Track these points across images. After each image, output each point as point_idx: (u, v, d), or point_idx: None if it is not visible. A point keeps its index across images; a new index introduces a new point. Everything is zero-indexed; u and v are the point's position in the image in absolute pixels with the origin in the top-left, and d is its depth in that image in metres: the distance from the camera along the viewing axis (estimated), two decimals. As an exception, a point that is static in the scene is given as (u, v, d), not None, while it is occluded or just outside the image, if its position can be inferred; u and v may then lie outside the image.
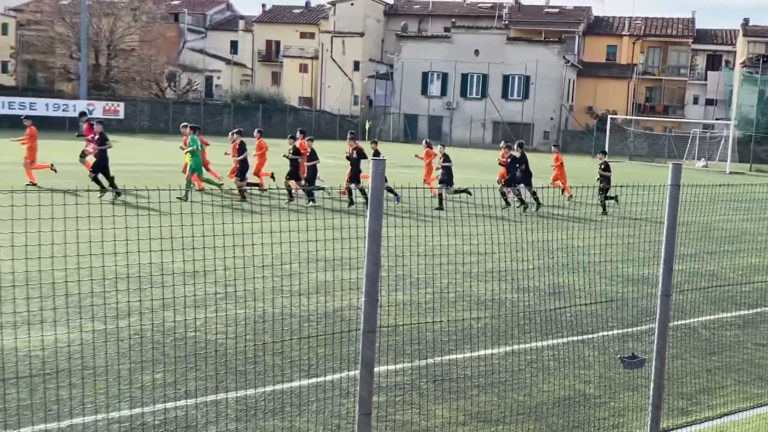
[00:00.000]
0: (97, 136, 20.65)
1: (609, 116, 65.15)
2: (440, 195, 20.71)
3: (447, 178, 22.05)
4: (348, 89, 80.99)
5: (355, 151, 21.14)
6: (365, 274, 4.64)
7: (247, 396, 6.71)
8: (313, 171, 21.77)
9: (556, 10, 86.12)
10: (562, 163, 26.26)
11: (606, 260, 11.00)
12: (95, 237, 5.48)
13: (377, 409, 6.36)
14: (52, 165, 23.18)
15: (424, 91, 77.30)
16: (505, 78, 74.98)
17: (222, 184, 22.44)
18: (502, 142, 25.33)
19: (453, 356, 8.15)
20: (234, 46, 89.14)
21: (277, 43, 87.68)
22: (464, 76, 76.03)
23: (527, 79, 74.10)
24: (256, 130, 24.80)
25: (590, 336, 9.11)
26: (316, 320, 9.04)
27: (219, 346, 7.96)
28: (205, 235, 5.93)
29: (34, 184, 21.75)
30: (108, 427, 5.95)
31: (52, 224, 5.27)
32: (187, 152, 21.19)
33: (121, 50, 70.08)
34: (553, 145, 28.58)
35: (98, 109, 56.28)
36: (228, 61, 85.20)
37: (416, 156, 26.20)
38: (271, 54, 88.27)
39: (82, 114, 25.35)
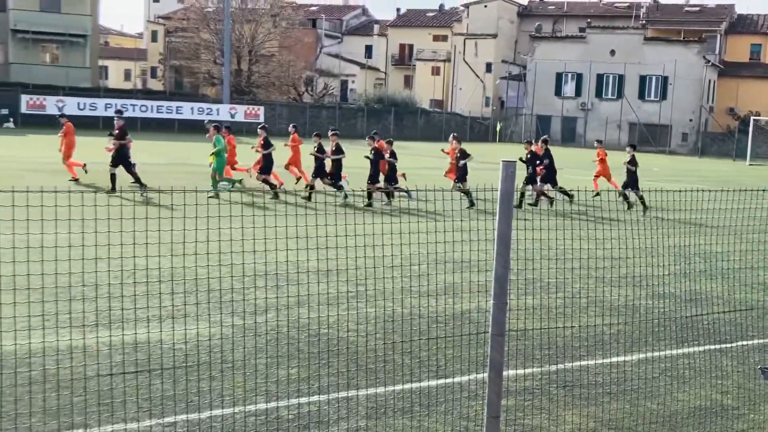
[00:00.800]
0: (117, 131, 21.20)
1: (752, 118, 62.11)
2: (467, 191, 20.10)
3: (461, 175, 21.68)
4: (480, 91, 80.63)
5: (373, 151, 21.30)
6: (494, 276, 4.66)
7: (377, 394, 6.83)
8: (338, 167, 21.82)
9: (697, 8, 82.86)
10: (603, 159, 25.41)
11: (747, 267, 10.54)
12: (236, 236, 5.73)
13: (506, 412, 6.34)
14: (84, 165, 23.42)
15: (558, 92, 76.04)
16: (642, 78, 72.82)
17: (240, 180, 23.09)
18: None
19: (584, 362, 8.02)
20: (368, 50, 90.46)
21: (410, 46, 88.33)
22: (599, 77, 74.34)
23: (665, 79, 71.69)
24: (291, 126, 25.51)
25: (729, 345, 8.76)
26: (444, 322, 9.09)
27: (350, 343, 8.13)
28: (338, 235, 6.08)
29: (76, 180, 22.58)
30: (245, 419, 6.18)
31: (196, 223, 5.55)
32: (211, 154, 21.57)
33: (261, 56, 72.37)
34: (597, 141, 27.62)
35: (240, 112, 58.31)
36: (362, 66, 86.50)
37: (442, 150, 25.59)
38: (404, 57, 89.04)
39: (118, 112, 25.84)
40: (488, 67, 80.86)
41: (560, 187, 21.22)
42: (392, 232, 5.73)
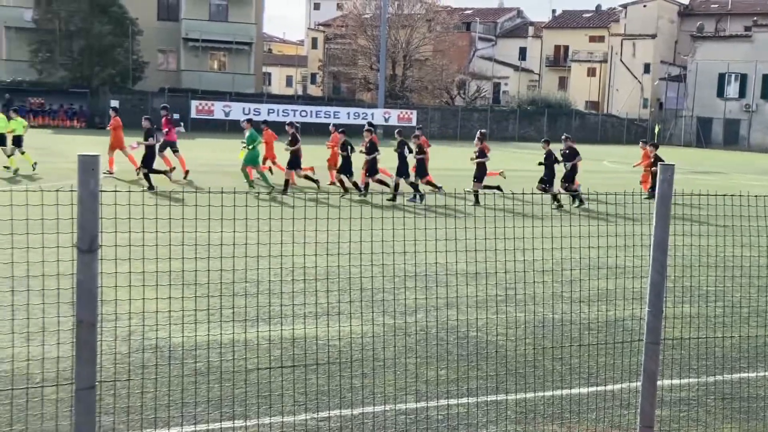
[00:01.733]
0: (145, 131, 21.86)
1: None
2: (476, 192, 20.33)
3: (479, 174, 21.37)
4: (637, 92, 78.10)
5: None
6: (649, 283, 4.56)
7: (527, 399, 6.79)
8: (373, 163, 21.57)
9: None
10: (651, 162, 23.68)
11: None
12: (387, 237, 5.87)
13: (660, 423, 6.16)
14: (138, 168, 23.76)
15: (720, 93, 72.50)
16: (814, 79, 68.35)
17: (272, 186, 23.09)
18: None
19: (744, 374, 7.66)
20: (522, 52, 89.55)
21: (566, 47, 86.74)
22: (765, 77, 70.28)
23: (837, 80, 66.94)
24: (331, 125, 25.23)
25: None
26: (597, 329, 8.92)
27: (499, 347, 8.12)
28: (487, 238, 6.11)
29: (111, 173, 23.30)
30: (395, 417, 6.30)
31: (350, 224, 5.72)
32: (245, 148, 21.73)
33: (415, 60, 73.12)
34: (642, 141, 26.18)
35: (393, 116, 59.17)
36: (516, 68, 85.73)
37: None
38: (559, 59, 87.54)
39: (164, 108, 26.66)
40: (646, 68, 78.21)
41: (550, 191, 20.77)
42: (543, 236, 5.69)
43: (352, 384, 6.84)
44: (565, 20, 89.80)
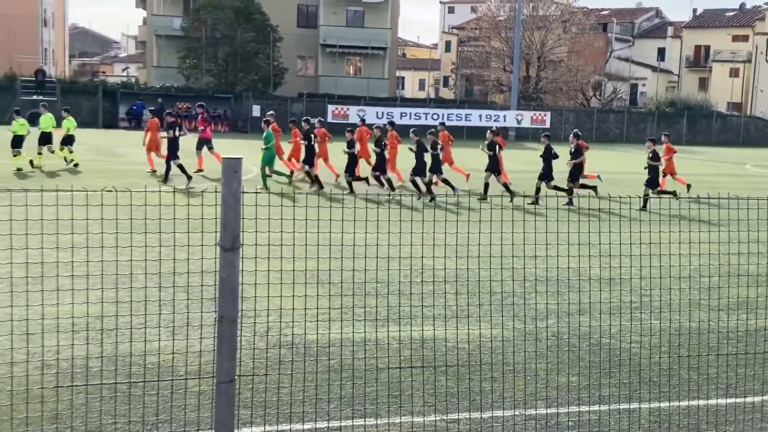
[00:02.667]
0: (167, 125, 22.30)
1: None
2: (486, 185, 20.17)
3: (493, 166, 21.17)
4: (786, 93, 74.09)
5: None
6: (792, 292, 4.37)
7: (661, 408, 6.62)
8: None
9: None
10: (671, 157, 23.07)
11: None
12: (517, 240, 5.86)
13: (805, 439, 5.87)
14: (193, 172, 23.79)
15: None
16: None
17: (290, 175, 23.38)
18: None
19: None
20: (661, 53, 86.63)
21: (707, 47, 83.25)
22: None
23: None
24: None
25: None
26: (736, 338, 8.56)
27: (633, 355, 7.93)
28: (622, 243, 5.99)
29: (154, 171, 23.77)
30: (525, 423, 6.27)
31: (479, 226, 5.75)
32: (264, 148, 21.91)
33: (550, 62, 72.05)
34: (664, 134, 25.14)
35: (526, 118, 58.51)
36: (654, 69, 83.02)
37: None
38: (699, 59, 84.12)
39: (200, 105, 26.93)
40: (796, 67, 74.07)
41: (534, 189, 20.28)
42: (680, 242, 5.52)
43: (482, 387, 6.85)
44: (706, 19, 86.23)
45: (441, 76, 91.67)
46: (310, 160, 22.24)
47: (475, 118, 57.60)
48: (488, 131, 22.77)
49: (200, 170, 24.29)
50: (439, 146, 21.54)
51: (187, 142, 23.61)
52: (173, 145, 22.31)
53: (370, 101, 58.35)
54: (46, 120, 25.55)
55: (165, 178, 22.14)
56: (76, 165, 25.30)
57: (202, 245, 5.25)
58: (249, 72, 58.32)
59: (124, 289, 7.88)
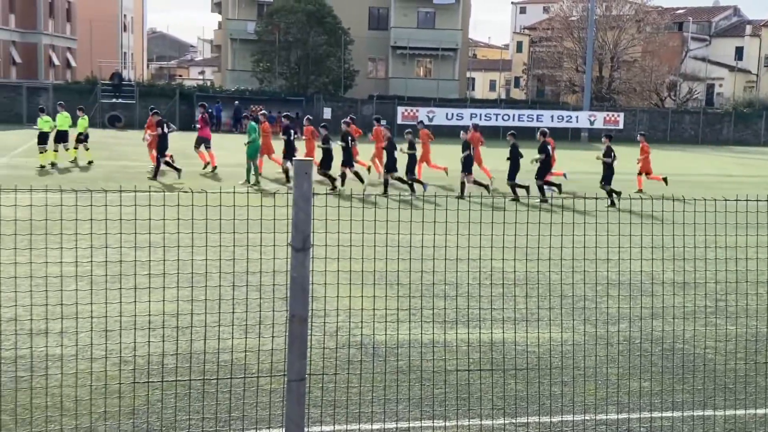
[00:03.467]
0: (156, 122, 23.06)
1: None
2: (462, 183, 19.99)
3: (466, 164, 20.94)
4: None
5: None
6: None
7: (737, 416, 6.46)
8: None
9: None
10: (648, 155, 24.69)
11: None
12: (589, 243, 5.80)
13: None
14: (214, 169, 24.80)
15: None
16: None
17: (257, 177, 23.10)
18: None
19: None
20: (739, 52, 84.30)
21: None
22: None
23: None
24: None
25: None
26: (820, 346, 8.29)
27: (708, 361, 7.76)
28: (697, 246, 5.87)
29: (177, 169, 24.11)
30: (595, 427, 6.19)
31: (550, 229, 5.71)
32: (247, 143, 22.38)
33: (623, 62, 70.86)
34: (640, 134, 26.55)
35: (599, 119, 57.65)
36: (732, 68, 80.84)
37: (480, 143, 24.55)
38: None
39: (201, 105, 27.39)
40: None
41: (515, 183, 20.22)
42: (758, 245, 5.39)
43: (551, 391, 6.80)
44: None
45: (512, 76, 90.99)
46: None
47: (547, 118, 56.99)
48: (462, 131, 23.36)
49: (214, 167, 25.36)
50: (416, 145, 22.36)
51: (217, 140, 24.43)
52: (162, 142, 23.24)
53: (440, 102, 58.30)
54: (62, 119, 26.49)
55: (154, 175, 23.07)
56: (90, 162, 26.29)
57: (274, 245, 5.34)
58: (320, 75, 58.91)
59: (199, 288, 8.06)
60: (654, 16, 72.91)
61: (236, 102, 52.37)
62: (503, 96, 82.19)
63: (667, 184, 23.93)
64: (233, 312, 7.81)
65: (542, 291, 8.68)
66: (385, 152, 21.83)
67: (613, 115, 58.68)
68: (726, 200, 6.33)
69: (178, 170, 23.01)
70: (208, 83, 69.09)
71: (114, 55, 75.52)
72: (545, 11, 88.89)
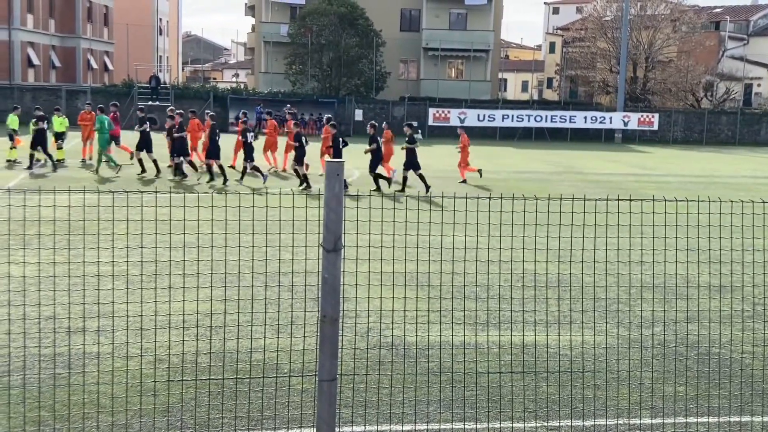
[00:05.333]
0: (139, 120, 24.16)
1: None
2: (405, 178, 21.93)
3: (408, 161, 22.32)
4: None
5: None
6: None
7: (774, 421, 6.38)
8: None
9: None
10: (465, 146, 25.42)
11: None
12: (623, 245, 5.76)
13: None
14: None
15: None
16: None
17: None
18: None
19: None
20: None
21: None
22: None
23: None
24: (459, 128, 26.91)
25: None
26: None
27: (745, 366, 7.66)
28: (734, 249, 5.81)
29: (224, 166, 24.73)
30: None
31: (583, 231, 5.68)
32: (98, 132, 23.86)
33: (658, 62, 70.14)
34: (459, 127, 28.14)
35: (633, 120, 57.12)
36: (771, 68, 79.72)
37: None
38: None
39: (192, 112, 28.41)
40: None
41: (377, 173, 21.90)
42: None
43: (584, 395, 6.76)
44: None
45: (545, 77, 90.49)
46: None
47: (580, 120, 56.57)
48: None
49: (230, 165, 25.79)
50: (380, 141, 22.90)
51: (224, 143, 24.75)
52: (145, 140, 24.16)
53: (471, 104, 58.16)
54: (59, 121, 27.56)
55: (141, 170, 24.00)
56: (60, 160, 26.53)
57: (306, 246, 5.37)
58: (352, 77, 59.06)
59: (232, 288, 8.13)
60: (690, 15, 72.06)
61: (260, 104, 52.81)
62: (536, 97, 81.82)
63: (481, 176, 25.26)
64: (265, 312, 7.85)
65: (575, 293, 8.63)
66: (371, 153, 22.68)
67: (647, 116, 58.08)
68: (764, 202, 6.26)
69: (144, 170, 24.01)
70: (242, 86, 69.50)
71: (150, 59, 76.37)
72: (578, 11, 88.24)
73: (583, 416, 6.36)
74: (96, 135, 25.18)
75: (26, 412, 5.82)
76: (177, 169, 23.62)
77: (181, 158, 23.66)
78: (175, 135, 23.82)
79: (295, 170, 22.40)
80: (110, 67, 73.43)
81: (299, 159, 22.18)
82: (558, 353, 7.79)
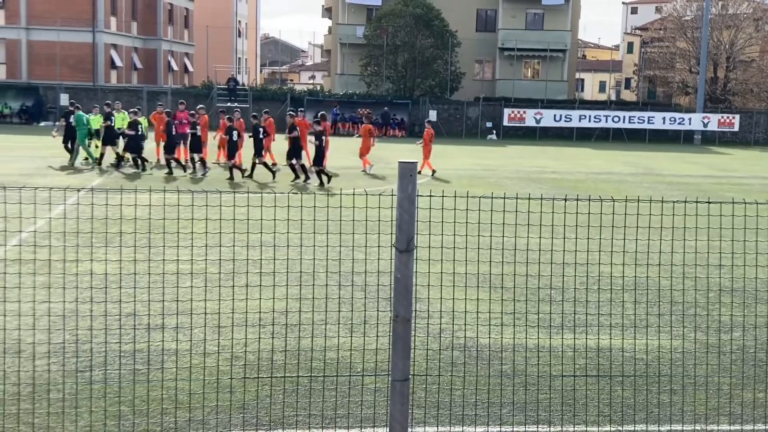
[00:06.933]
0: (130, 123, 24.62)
1: None
2: (291, 166, 23.14)
3: (291, 149, 23.36)
4: None
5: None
6: None
7: None
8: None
9: None
10: (429, 140, 26.98)
11: None
12: (701, 248, 5.65)
13: None
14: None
15: None
16: None
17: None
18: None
19: None
20: None
21: None
22: None
23: None
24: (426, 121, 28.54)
25: None
26: None
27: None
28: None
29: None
30: (704, 437, 6.03)
31: (660, 233, 5.59)
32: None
33: (739, 62, 68.20)
34: (427, 121, 29.28)
35: (713, 121, 55.70)
36: None
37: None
38: None
39: (221, 112, 29.07)
40: None
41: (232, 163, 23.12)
42: None
43: (660, 399, 6.65)
44: None
45: (622, 78, 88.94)
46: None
47: (658, 120, 55.39)
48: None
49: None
50: (296, 131, 23.62)
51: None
52: (194, 142, 24.69)
53: (547, 104, 57.55)
54: (96, 120, 27.66)
55: (135, 165, 24.92)
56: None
57: (379, 246, 5.43)
58: (427, 77, 59.07)
59: (306, 287, 8.25)
60: (772, 14, 69.84)
61: (336, 105, 53.39)
62: (613, 97, 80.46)
63: (432, 176, 26.00)
64: (339, 311, 7.95)
65: (652, 297, 8.48)
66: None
67: (728, 117, 56.53)
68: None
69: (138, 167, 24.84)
70: (318, 87, 70.23)
71: (229, 60, 77.83)
72: (657, 11, 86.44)
73: (659, 421, 6.26)
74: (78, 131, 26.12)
75: (107, 406, 6.02)
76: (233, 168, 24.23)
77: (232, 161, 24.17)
78: (224, 136, 24.44)
79: (291, 165, 23.56)
80: (190, 68, 75.13)
81: (319, 159, 23.19)
82: (634, 357, 7.67)
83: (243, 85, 62.89)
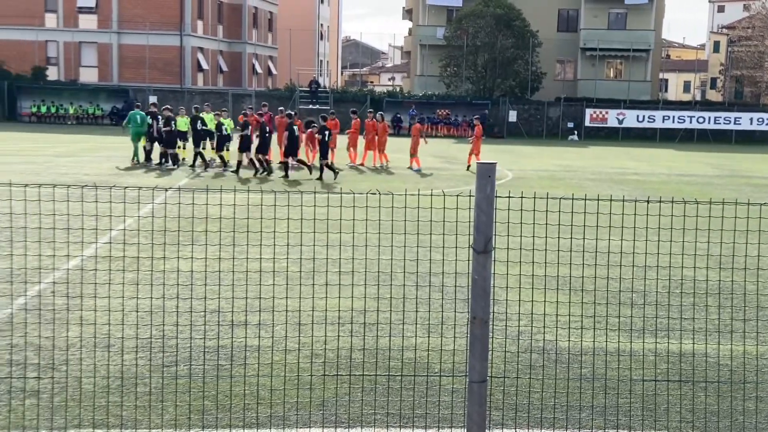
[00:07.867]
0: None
1: None
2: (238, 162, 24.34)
3: (241, 144, 24.45)
4: None
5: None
6: None
7: None
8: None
9: None
10: (479, 137, 27.98)
11: None
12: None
13: None
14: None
15: None
16: None
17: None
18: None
19: None
20: None
21: None
22: None
23: None
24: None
25: None
26: None
27: None
28: None
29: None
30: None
31: (746, 236, 5.45)
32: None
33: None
34: (475, 117, 30.62)
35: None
36: None
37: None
38: None
39: (263, 106, 30.16)
40: None
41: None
42: None
43: (745, 407, 6.48)
44: None
45: (708, 77, 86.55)
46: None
47: (746, 121, 53.77)
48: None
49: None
50: (249, 128, 24.75)
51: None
52: (244, 142, 24.86)
53: (630, 104, 56.46)
54: (183, 121, 27.87)
55: (255, 171, 24.94)
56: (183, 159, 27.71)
57: (456, 247, 5.45)
58: (507, 78, 58.64)
59: (384, 287, 8.32)
60: None
61: (413, 106, 53.52)
62: (698, 98, 78.43)
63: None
64: (416, 311, 7.99)
65: (737, 302, 8.26)
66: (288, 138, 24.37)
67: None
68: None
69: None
70: (398, 89, 70.53)
71: (311, 63, 78.83)
72: (745, 9, 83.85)
73: (743, 428, 6.11)
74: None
75: (191, 401, 6.19)
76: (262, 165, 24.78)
77: (259, 155, 24.82)
78: (242, 133, 24.86)
79: (286, 162, 24.32)
80: (273, 71, 76.37)
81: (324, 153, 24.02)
82: (718, 363, 7.49)
83: (324, 87, 63.60)
